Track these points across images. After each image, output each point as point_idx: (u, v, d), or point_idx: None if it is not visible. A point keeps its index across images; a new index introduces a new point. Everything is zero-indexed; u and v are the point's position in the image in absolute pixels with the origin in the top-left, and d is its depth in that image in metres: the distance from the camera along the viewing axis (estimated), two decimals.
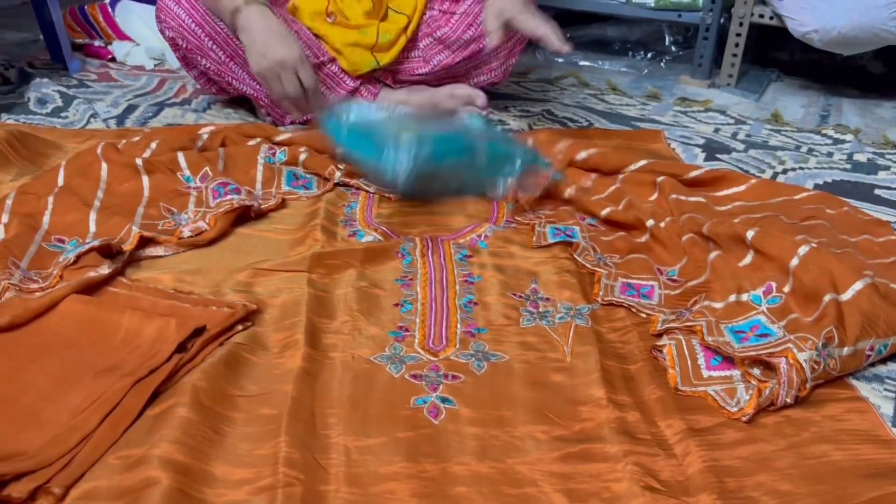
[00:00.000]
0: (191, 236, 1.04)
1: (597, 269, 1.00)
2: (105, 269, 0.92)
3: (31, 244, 0.98)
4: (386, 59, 1.48)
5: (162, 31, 1.43)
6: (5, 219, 1.03)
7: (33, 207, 1.06)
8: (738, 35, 1.84)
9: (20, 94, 1.61)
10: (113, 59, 1.90)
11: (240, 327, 0.85)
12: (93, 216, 1.05)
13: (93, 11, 1.93)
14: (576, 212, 1.15)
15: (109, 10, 1.92)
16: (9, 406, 0.73)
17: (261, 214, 1.13)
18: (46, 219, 1.04)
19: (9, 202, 1.07)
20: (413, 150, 1.09)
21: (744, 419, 0.74)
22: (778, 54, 2.13)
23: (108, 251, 0.97)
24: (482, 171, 1.17)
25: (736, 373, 0.79)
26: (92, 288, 0.90)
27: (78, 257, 0.93)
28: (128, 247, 0.98)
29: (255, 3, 1.18)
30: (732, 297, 0.89)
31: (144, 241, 1.01)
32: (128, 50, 1.89)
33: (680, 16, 1.89)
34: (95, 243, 0.96)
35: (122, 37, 1.91)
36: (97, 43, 1.93)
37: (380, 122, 1.18)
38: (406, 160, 1.09)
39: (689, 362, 0.82)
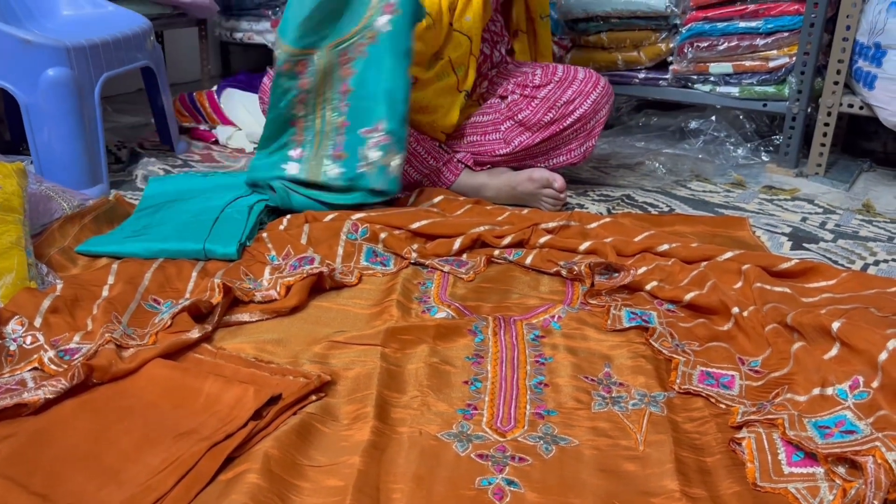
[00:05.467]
0: (262, 301, 1.09)
1: (674, 355, 0.98)
2: (195, 333, 0.98)
3: (132, 301, 1.06)
4: (468, 83, 1.55)
5: (264, 112, 1.54)
6: (111, 280, 1.13)
7: (136, 272, 1.15)
8: (827, 125, 1.81)
9: (129, 173, 1.74)
10: (216, 142, 2.04)
11: (313, 397, 0.87)
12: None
13: (200, 98, 2.09)
14: (654, 298, 1.14)
15: (216, 96, 2.08)
16: (93, 463, 0.77)
17: (337, 286, 1.17)
18: (148, 275, 1.14)
19: (115, 266, 1.16)
20: None
21: None
22: (869, 144, 2.08)
23: (197, 312, 1.03)
24: None
25: (819, 470, 0.75)
26: (179, 352, 0.96)
27: (173, 318, 1.00)
28: (216, 299, 1.04)
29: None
30: (816, 391, 0.85)
31: (231, 305, 1.07)
32: (230, 134, 2.03)
33: (765, 105, 1.88)
34: (186, 303, 1.02)
35: (226, 122, 2.05)
36: (203, 127, 2.08)
37: None
38: None
39: (769, 457, 0.78)
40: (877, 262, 1.33)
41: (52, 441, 0.79)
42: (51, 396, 0.84)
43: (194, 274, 1.16)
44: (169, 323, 0.99)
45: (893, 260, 1.34)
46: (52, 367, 0.90)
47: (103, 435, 0.80)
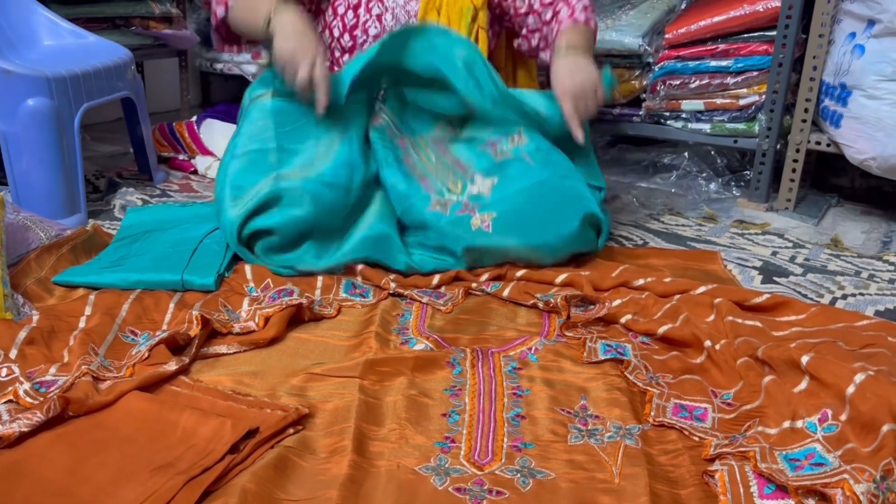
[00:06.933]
0: (240, 333, 1.09)
1: (649, 388, 0.99)
2: (172, 366, 0.98)
3: (109, 333, 1.06)
4: None
5: None
6: (88, 311, 1.12)
7: (114, 303, 1.15)
8: (795, 161, 1.86)
9: (107, 202, 1.74)
10: (195, 172, 2.04)
11: (291, 430, 0.87)
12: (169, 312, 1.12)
13: (179, 128, 2.09)
14: (628, 330, 1.15)
15: (195, 127, 2.08)
16: (68, 498, 0.76)
17: (316, 318, 1.17)
18: (126, 306, 1.13)
19: (92, 297, 1.16)
20: None
21: None
22: (838, 180, 2.14)
23: (174, 344, 1.03)
24: None
25: (790, 502, 0.77)
26: (156, 384, 0.95)
27: (150, 351, 1.00)
28: (194, 331, 1.04)
29: (286, 9, 1.33)
30: (787, 424, 0.87)
31: (209, 337, 1.07)
32: (209, 164, 2.03)
33: (736, 141, 1.93)
34: (164, 335, 1.02)
35: (205, 152, 2.06)
36: (182, 157, 2.09)
37: None
38: None
39: (741, 489, 0.79)
40: (844, 297, 1.36)
41: (26, 475, 0.79)
42: (26, 430, 0.83)
43: (172, 305, 1.16)
44: (146, 355, 0.99)
45: (861, 294, 1.37)
46: (28, 399, 0.89)
47: (79, 469, 0.80)
